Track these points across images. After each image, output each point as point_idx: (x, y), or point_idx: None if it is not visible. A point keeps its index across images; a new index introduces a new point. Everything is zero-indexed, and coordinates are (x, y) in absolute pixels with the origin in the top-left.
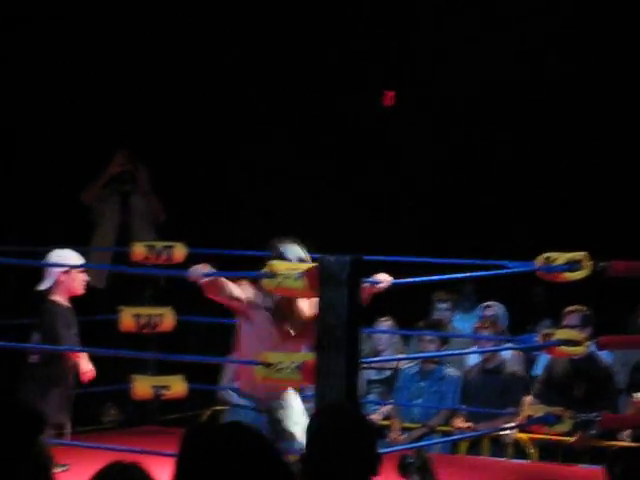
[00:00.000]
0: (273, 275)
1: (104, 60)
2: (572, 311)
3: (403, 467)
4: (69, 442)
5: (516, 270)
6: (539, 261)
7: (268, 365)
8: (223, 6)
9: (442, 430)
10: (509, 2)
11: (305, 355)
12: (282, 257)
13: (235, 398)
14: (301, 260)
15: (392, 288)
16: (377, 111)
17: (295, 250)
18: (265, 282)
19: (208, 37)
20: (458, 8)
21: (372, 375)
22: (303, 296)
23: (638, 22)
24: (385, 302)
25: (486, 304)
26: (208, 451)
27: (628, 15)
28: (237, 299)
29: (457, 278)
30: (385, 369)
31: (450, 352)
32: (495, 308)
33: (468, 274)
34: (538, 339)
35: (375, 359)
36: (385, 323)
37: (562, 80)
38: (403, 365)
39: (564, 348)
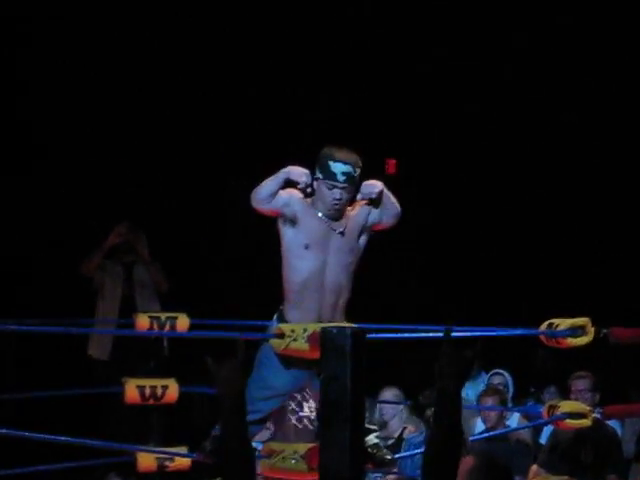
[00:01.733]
0: (281, 336)
1: (102, 130)
2: (580, 377)
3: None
4: None
5: (519, 333)
6: (542, 327)
7: (270, 454)
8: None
9: None
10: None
11: (308, 445)
12: (327, 170)
13: None
14: (347, 176)
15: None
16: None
17: (342, 165)
18: (274, 342)
19: (205, 107)
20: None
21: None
22: (309, 356)
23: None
24: (390, 370)
25: (493, 372)
26: None
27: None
28: None
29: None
30: (389, 438)
31: None
32: (502, 376)
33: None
34: (543, 412)
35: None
36: (390, 392)
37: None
38: (408, 434)
39: (570, 421)
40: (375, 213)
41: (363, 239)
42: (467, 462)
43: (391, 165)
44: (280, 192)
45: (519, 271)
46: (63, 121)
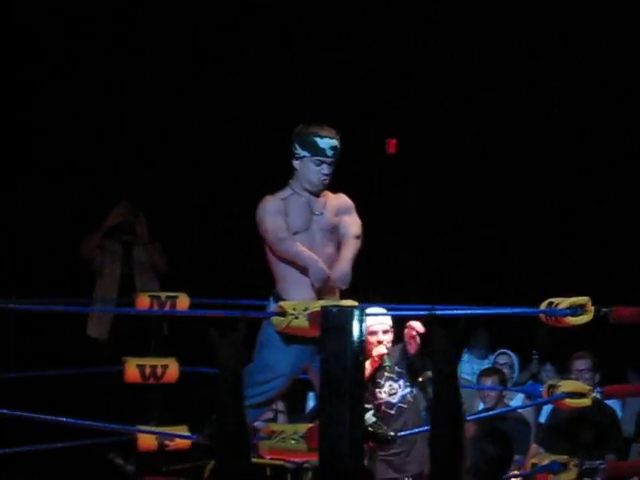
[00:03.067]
0: (283, 314)
1: (102, 110)
2: (580, 357)
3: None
4: None
5: (519, 312)
6: (543, 306)
7: (270, 435)
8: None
9: None
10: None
11: (307, 425)
12: (315, 146)
13: None
14: (334, 150)
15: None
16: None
17: (329, 140)
18: (275, 321)
19: (205, 89)
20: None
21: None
22: (310, 334)
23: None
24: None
25: (499, 351)
26: None
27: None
28: None
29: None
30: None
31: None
32: (508, 356)
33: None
34: (543, 391)
35: None
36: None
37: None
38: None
39: (569, 401)
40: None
41: (338, 219)
42: (468, 430)
43: (391, 145)
44: (277, 217)
45: (520, 250)
46: (64, 100)
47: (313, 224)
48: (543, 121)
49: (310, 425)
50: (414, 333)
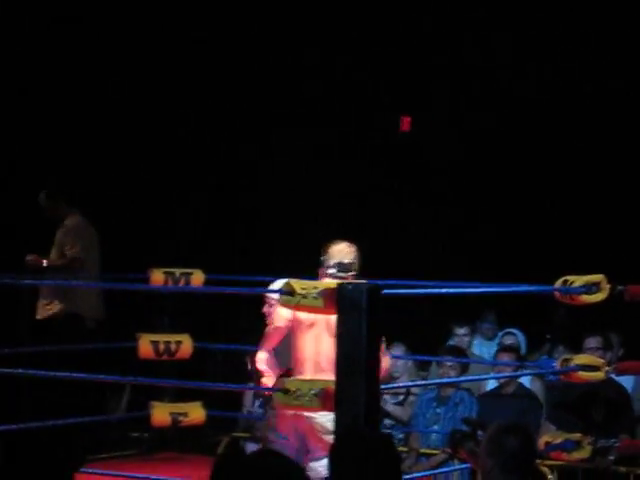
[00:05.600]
0: (292, 293)
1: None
2: (592, 335)
3: (454, 442)
4: (88, 470)
5: (534, 290)
6: (557, 284)
7: (286, 392)
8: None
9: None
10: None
11: (325, 382)
12: (325, 262)
13: None
14: (341, 266)
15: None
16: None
17: (338, 254)
18: (284, 299)
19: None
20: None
21: (387, 400)
22: (323, 313)
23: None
24: (401, 328)
25: (506, 331)
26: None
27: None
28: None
29: (464, 293)
30: (399, 394)
31: (469, 378)
32: (514, 336)
33: (480, 289)
34: (557, 365)
35: (394, 385)
36: (399, 348)
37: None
38: (419, 391)
39: (583, 374)
40: None
41: None
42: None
43: (406, 122)
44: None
45: (535, 228)
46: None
47: None
48: (555, 105)
49: (327, 385)
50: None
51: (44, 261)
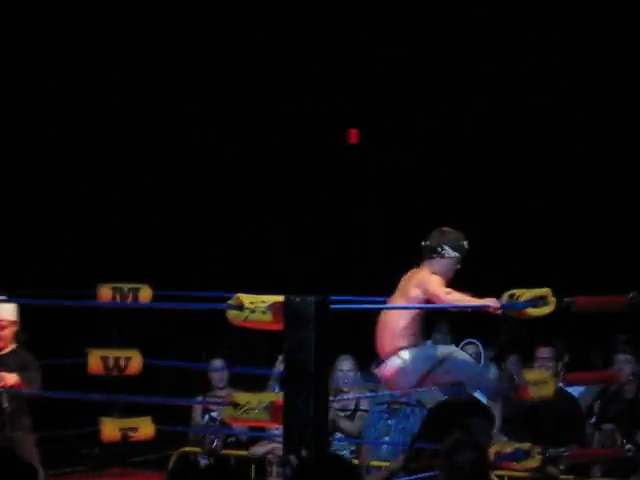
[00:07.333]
0: (240, 308)
1: None
2: (544, 345)
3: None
4: None
5: (479, 307)
6: (504, 298)
7: (235, 406)
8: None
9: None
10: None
11: (273, 395)
12: (441, 251)
13: None
14: (462, 251)
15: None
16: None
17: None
18: (232, 314)
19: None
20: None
21: (338, 414)
22: (271, 328)
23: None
24: (348, 340)
25: (467, 341)
26: None
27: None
28: None
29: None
30: (348, 409)
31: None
32: (475, 346)
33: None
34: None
35: (344, 398)
36: (348, 361)
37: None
38: (368, 403)
39: (533, 389)
40: None
41: None
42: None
43: (353, 135)
44: None
45: (484, 242)
46: None
47: None
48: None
49: (275, 399)
50: None
51: None
